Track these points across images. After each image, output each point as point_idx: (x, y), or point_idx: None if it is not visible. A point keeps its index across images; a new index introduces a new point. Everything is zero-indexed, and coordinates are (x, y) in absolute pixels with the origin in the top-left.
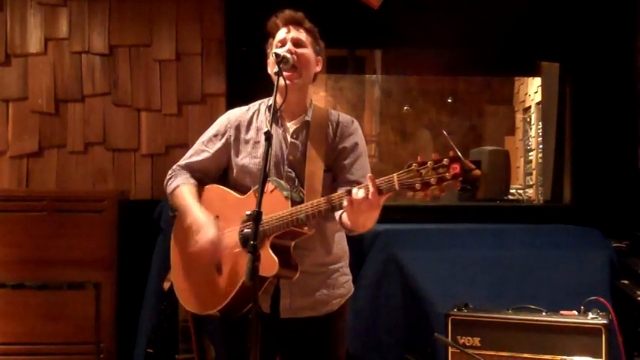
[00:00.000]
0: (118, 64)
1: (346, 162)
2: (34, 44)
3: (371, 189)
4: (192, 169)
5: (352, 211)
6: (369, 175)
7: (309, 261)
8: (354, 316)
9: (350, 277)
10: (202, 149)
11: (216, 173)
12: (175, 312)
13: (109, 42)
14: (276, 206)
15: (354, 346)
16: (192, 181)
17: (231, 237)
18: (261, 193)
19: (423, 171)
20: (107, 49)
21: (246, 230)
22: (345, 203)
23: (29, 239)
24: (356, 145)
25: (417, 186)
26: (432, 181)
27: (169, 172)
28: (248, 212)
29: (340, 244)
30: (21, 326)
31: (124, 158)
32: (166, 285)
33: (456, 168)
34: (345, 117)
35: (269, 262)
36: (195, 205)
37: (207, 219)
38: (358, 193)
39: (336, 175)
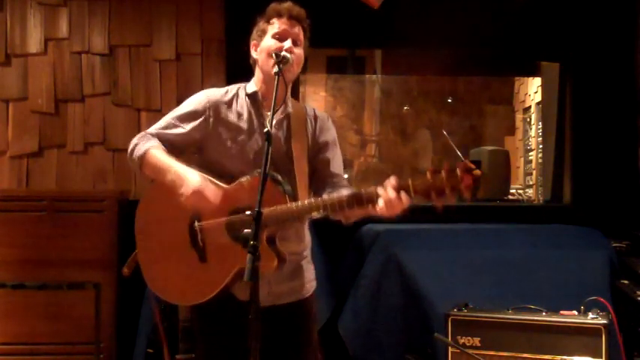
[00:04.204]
0: (118, 64)
1: (329, 156)
2: (34, 44)
3: (391, 193)
4: (161, 140)
5: (381, 209)
6: (392, 181)
7: (285, 251)
8: (354, 316)
9: (312, 265)
10: (176, 124)
11: (181, 152)
12: (175, 312)
13: (109, 42)
14: (273, 200)
15: (354, 346)
16: (164, 148)
17: (217, 228)
18: (261, 193)
19: (436, 180)
20: (107, 49)
21: (246, 230)
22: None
23: (29, 239)
24: (335, 139)
25: (433, 195)
26: (447, 192)
27: (137, 137)
28: (248, 212)
29: (308, 232)
30: (21, 326)
31: (124, 158)
32: (127, 271)
33: (468, 179)
34: (319, 112)
35: (269, 257)
36: (174, 162)
37: (188, 169)
38: (389, 194)
39: (317, 169)
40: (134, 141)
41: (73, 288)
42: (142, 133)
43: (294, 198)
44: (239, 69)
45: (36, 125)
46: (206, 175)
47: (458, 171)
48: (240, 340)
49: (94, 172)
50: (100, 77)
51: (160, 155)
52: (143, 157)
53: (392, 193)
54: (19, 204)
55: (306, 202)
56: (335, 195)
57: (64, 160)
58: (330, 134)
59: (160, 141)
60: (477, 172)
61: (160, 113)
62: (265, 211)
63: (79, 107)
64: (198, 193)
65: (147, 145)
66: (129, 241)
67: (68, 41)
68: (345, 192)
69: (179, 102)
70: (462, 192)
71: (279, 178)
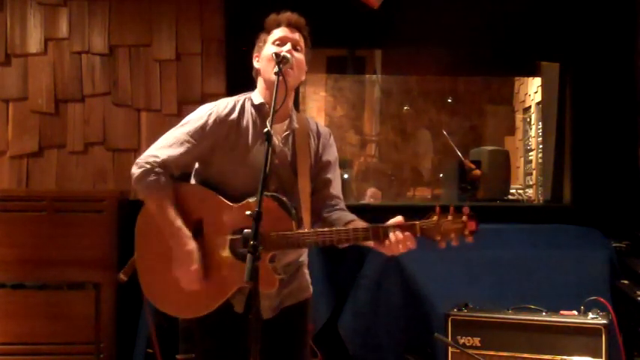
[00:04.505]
0: (118, 64)
1: (330, 176)
2: (34, 44)
3: (400, 235)
4: (169, 165)
5: (387, 248)
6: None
7: (285, 261)
8: (354, 316)
9: (307, 269)
10: (186, 140)
11: (188, 169)
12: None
13: (109, 42)
14: (280, 225)
15: (354, 346)
16: (172, 185)
17: (220, 245)
18: (261, 192)
19: (442, 224)
20: (107, 49)
21: (246, 230)
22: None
23: (29, 239)
24: (336, 159)
25: (438, 238)
26: (452, 236)
27: (146, 163)
28: (248, 212)
29: None
30: (21, 326)
31: (124, 158)
32: (124, 277)
33: (472, 225)
34: (322, 127)
35: (270, 279)
36: (180, 228)
37: (191, 250)
38: (398, 234)
39: (317, 189)
40: (144, 167)
41: (73, 288)
42: (151, 157)
43: (299, 222)
44: (239, 69)
45: (36, 125)
46: (212, 191)
47: (464, 217)
48: (240, 344)
49: (94, 172)
50: (100, 77)
51: (169, 210)
52: (150, 195)
53: (400, 235)
54: (19, 204)
55: (312, 231)
56: (343, 228)
57: (64, 160)
58: (332, 153)
59: (167, 167)
60: (477, 171)
61: (160, 113)
62: (274, 236)
63: (79, 107)
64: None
65: (158, 185)
66: (129, 241)
67: (68, 41)
68: (345, 218)
69: (179, 102)
70: (466, 237)
71: (286, 200)
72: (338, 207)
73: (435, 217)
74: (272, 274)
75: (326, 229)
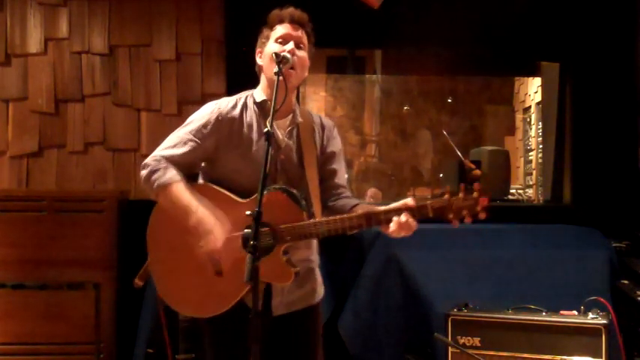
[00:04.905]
0: (118, 64)
1: (335, 166)
2: (34, 44)
3: (403, 218)
4: (175, 163)
5: (393, 231)
6: (410, 202)
7: (295, 258)
8: (354, 316)
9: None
10: (190, 139)
11: (194, 168)
12: (175, 312)
13: (109, 42)
14: (291, 217)
15: (354, 346)
16: (183, 177)
17: (233, 242)
18: (261, 192)
19: (454, 202)
20: (107, 49)
21: (246, 230)
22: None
23: (29, 239)
24: (340, 149)
25: (450, 216)
26: (464, 213)
27: (153, 162)
28: (248, 212)
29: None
30: (21, 326)
31: (124, 158)
32: (139, 283)
33: (484, 201)
34: (326, 120)
35: (286, 271)
36: (199, 206)
37: (215, 221)
38: (402, 218)
39: (323, 180)
40: (151, 165)
41: (73, 288)
42: (159, 157)
43: (310, 212)
44: (239, 69)
45: (36, 125)
46: (220, 189)
47: (475, 193)
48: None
49: (94, 172)
50: (100, 77)
51: (181, 194)
52: (163, 190)
53: (404, 218)
54: (19, 204)
55: (323, 220)
56: (354, 214)
57: (64, 160)
58: (336, 144)
59: (174, 165)
60: (477, 171)
61: (160, 113)
62: (284, 228)
63: (79, 107)
64: (219, 250)
65: (168, 176)
66: (129, 241)
67: (68, 41)
68: (350, 203)
69: (179, 102)
70: (479, 213)
71: (296, 193)
72: (343, 195)
73: (447, 196)
74: (287, 267)
75: (337, 217)
